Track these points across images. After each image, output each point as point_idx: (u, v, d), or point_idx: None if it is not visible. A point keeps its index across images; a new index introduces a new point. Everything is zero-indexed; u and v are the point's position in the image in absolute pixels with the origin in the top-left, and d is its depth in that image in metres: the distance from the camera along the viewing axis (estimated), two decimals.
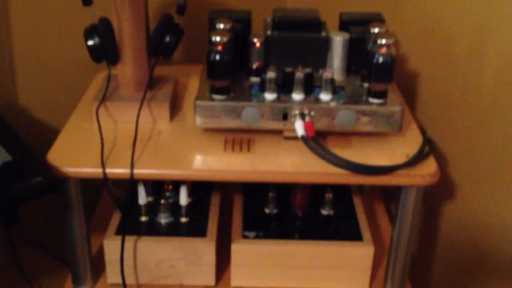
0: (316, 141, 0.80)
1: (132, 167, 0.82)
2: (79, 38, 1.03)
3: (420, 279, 1.15)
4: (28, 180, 0.75)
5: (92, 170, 0.82)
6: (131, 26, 0.88)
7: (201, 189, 1.02)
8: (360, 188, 1.08)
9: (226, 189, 1.05)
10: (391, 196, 1.18)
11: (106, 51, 0.89)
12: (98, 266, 0.96)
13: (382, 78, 0.82)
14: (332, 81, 0.86)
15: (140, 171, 0.82)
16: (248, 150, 0.86)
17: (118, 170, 0.82)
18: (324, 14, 0.95)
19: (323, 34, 0.90)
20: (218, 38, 0.82)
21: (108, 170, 0.81)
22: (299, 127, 0.82)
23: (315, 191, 0.99)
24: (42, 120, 1.10)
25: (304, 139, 0.81)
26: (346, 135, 0.89)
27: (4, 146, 0.80)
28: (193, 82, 1.06)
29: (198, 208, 0.98)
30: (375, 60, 0.82)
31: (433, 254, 1.12)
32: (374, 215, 1.11)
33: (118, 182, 1.06)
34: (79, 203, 0.86)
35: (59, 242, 1.21)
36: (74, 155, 0.84)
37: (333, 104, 0.84)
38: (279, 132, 0.88)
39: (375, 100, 0.84)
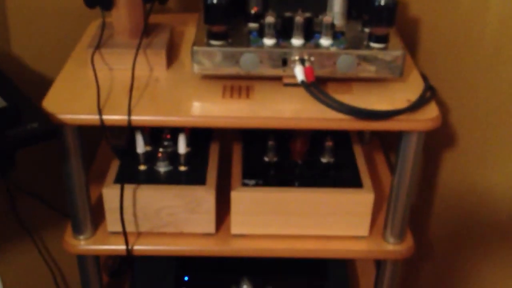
0: (316, 86, 0.79)
1: (129, 113, 0.80)
2: None
3: (420, 228, 1.16)
4: (24, 126, 0.74)
5: (88, 116, 0.80)
6: None
7: (200, 138, 1.01)
8: (360, 139, 1.08)
9: (225, 138, 1.04)
10: (391, 146, 1.17)
11: None
12: (98, 215, 0.96)
13: (384, 21, 0.80)
14: (332, 26, 0.84)
15: (138, 118, 0.81)
16: (247, 96, 0.85)
17: (115, 117, 0.81)
18: None
19: None
20: None
21: (105, 117, 0.80)
22: (299, 73, 0.81)
23: (315, 140, 0.98)
24: (36, 70, 1.08)
25: (304, 84, 0.79)
26: (346, 81, 0.87)
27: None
28: (190, 31, 1.03)
29: (197, 157, 0.98)
30: (377, 3, 0.79)
31: (432, 204, 1.13)
32: (374, 165, 1.11)
33: (116, 133, 1.05)
34: (76, 151, 0.85)
35: (58, 194, 1.22)
36: (70, 102, 0.83)
37: (333, 49, 0.82)
38: (278, 79, 0.87)
39: (376, 45, 0.83)
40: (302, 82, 0.79)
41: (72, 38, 1.02)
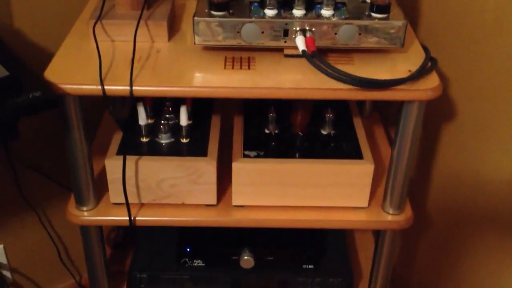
0: (318, 55, 0.79)
1: (131, 83, 0.81)
2: None
3: (419, 202, 1.17)
4: (27, 94, 0.74)
5: (90, 87, 0.81)
6: None
7: (201, 111, 1.02)
8: (361, 113, 1.08)
9: (226, 110, 1.05)
10: (391, 121, 1.18)
11: None
12: (101, 186, 0.97)
13: None
14: None
15: (140, 88, 0.81)
16: (249, 67, 0.85)
17: (117, 87, 0.81)
18: None
19: None
20: None
21: (106, 87, 0.81)
22: (300, 43, 0.81)
23: (316, 112, 0.99)
24: (38, 43, 1.08)
25: (305, 54, 0.80)
26: (347, 52, 0.88)
27: (0, 62, 0.79)
28: (191, 3, 1.03)
29: (199, 129, 0.98)
30: None
31: (431, 178, 1.13)
32: (374, 138, 1.12)
33: (119, 105, 1.06)
34: (78, 122, 0.86)
35: (61, 168, 1.22)
36: (72, 73, 0.83)
37: (334, 19, 0.82)
38: (279, 50, 0.87)
39: (377, 15, 0.83)
40: (303, 52, 0.80)
41: (74, 11, 1.02)
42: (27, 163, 1.17)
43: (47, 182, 1.22)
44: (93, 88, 0.81)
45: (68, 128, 0.86)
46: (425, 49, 0.88)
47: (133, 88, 0.81)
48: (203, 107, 1.03)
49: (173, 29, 0.94)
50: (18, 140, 0.79)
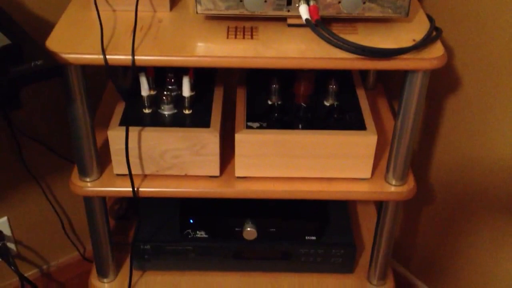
0: (321, 24, 0.78)
1: (133, 53, 0.80)
2: None
3: (421, 174, 1.17)
4: (28, 63, 0.74)
5: (92, 56, 0.80)
6: None
7: (204, 82, 1.01)
8: (364, 84, 1.07)
9: (229, 81, 1.04)
10: (395, 93, 1.17)
11: None
12: (104, 158, 0.97)
13: None
14: None
15: (141, 58, 0.81)
16: (252, 37, 0.84)
17: (118, 57, 0.81)
18: None
19: None
20: None
21: (108, 57, 0.80)
22: (304, 11, 0.80)
23: (319, 83, 0.98)
24: (38, 12, 1.07)
25: (308, 22, 0.79)
26: (351, 21, 0.87)
27: (2, 31, 0.78)
28: None
29: (202, 100, 0.98)
30: None
31: (434, 150, 1.13)
32: (377, 110, 1.11)
33: (121, 75, 1.05)
34: (81, 92, 0.85)
35: (64, 140, 1.23)
36: (74, 42, 0.83)
37: None
38: (282, 19, 0.86)
39: None
40: (307, 20, 0.79)
41: None
42: (30, 135, 1.17)
43: (51, 154, 1.22)
44: (95, 57, 0.80)
45: (71, 99, 0.86)
46: (430, 18, 0.87)
47: (135, 57, 0.80)
48: (205, 78, 1.02)
49: None
50: (21, 109, 0.79)
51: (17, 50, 0.75)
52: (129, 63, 0.80)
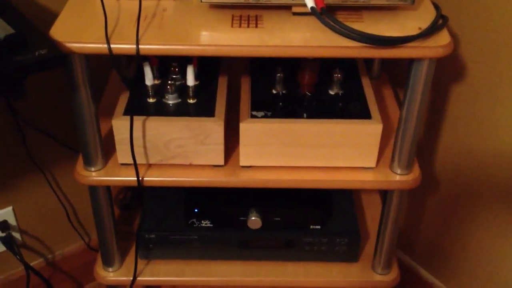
0: (327, 12, 0.78)
1: (137, 42, 0.80)
2: None
3: (426, 163, 1.17)
4: (32, 52, 0.74)
5: (96, 45, 0.80)
6: None
7: (208, 71, 1.01)
8: (369, 73, 1.07)
9: (233, 71, 1.04)
10: (399, 82, 1.17)
11: None
12: (108, 147, 0.97)
13: None
14: None
15: (146, 47, 0.80)
16: (256, 26, 0.84)
17: (123, 46, 0.80)
18: None
19: None
20: None
21: (113, 46, 0.80)
22: (309, 0, 0.79)
23: (323, 72, 0.98)
24: (42, 3, 1.07)
25: (313, 10, 0.78)
26: (356, 9, 0.86)
27: (6, 20, 0.78)
28: None
29: (206, 90, 0.98)
30: None
31: (439, 139, 1.13)
32: (382, 99, 1.11)
33: (125, 64, 1.05)
34: (85, 81, 0.85)
35: (68, 130, 1.23)
36: (78, 31, 0.82)
37: None
38: (287, 8, 0.86)
39: None
40: (312, 8, 0.78)
41: None
42: (34, 125, 1.17)
43: (55, 143, 1.22)
44: (99, 46, 0.80)
45: (75, 88, 0.86)
46: (436, 6, 0.86)
47: (140, 46, 0.80)
48: (209, 68, 1.02)
49: None
50: (25, 99, 0.79)
51: (21, 39, 0.75)
52: (134, 52, 0.80)
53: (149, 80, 0.94)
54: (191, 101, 0.96)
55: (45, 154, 1.24)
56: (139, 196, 1.23)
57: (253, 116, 0.92)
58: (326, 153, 0.93)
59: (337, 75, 0.95)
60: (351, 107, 0.94)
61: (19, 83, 0.78)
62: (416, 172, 0.94)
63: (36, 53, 0.74)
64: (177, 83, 0.97)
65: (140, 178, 0.95)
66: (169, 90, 0.95)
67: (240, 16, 0.86)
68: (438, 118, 1.11)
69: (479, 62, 0.99)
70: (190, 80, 0.93)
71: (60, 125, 1.22)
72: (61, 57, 0.76)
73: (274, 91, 0.97)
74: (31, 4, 1.05)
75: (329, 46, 0.79)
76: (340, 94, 0.96)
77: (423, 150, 1.16)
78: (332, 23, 0.77)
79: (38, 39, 0.77)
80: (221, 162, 0.96)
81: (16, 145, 1.18)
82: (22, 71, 0.73)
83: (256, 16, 0.86)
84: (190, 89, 0.95)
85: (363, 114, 0.92)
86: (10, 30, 0.75)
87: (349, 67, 1.02)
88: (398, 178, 0.94)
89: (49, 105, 1.18)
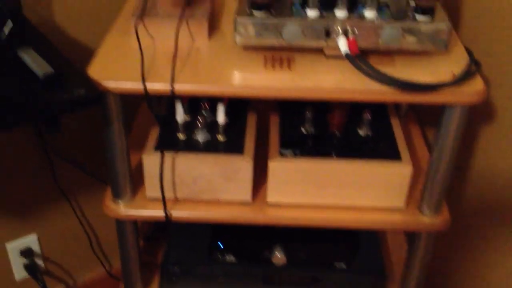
0: (361, 58, 0.79)
1: (172, 82, 0.81)
2: None
3: (454, 202, 1.16)
4: (71, 91, 0.75)
5: (133, 84, 0.82)
6: None
7: (237, 108, 1.02)
8: (397, 111, 1.07)
9: (262, 108, 1.05)
10: (427, 119, 1.17)
11: None
12: (136, 180, 0.98)
13: None
14: None
15: (181, 87, 0.82)
16: (289, 67, 0.85)
17: (158, 85, 0.82)
18: None
19: None
20: None
21: (148, 85, 0.81)
22: (343, 45, 0.80)
23: (353, 111, 0.98)
24: (77, 38, 1.09)
25: (348, 56, 0.79)
26: (388, 53, 0.87)
27: (45, 59, 0.80)
28: (229, 0, 1.03)
29: (235, 126, 0.99)
30: None
31: (467, 178, 1.12)
32: (410, 138, 1.11)
33: (156, 100, 1.06)
34: (118, 117, 0.87)
35: (94, 159, 1.24)
36: (114, 70, 0.84)
37: (378, 21, 0.82)
38: (320, 50, 0.87)
39: (421, 17, 0.82)
40: (347, 55, 0.79)
41: (113, 6, 1.03)
42: (63, 154, 1.19)
43: (81, 172, 1.23)
44: (135, 86, 0.81)
45: (108, 124, 0.87)
46: (469, 51, 0.87)
47: (175, 86, 0.81)
48: (239, 104, 1.03)
49: (213, 27, 0.95)
50: (61, 133, 0.80)
51: (60, 78, 0.77)
52: (168, 92, 0.81)
53: (180, 116, 0.95)
54: (220, 137, 0.96)
55: (71, 182, 1.25)
56: (164, 228, 1.23)
57: (282, 154, 0.93)
58: (354, 193, 0.93)
59: (367, 115, 0.96)
60: (381, 148, 0.94)
61: (54, 119, 0.79)
62: (445, 215, 0.94)
63: (75, 93, 0.75)
64: (207, 119, 0.98)
65: (168, 213, 0.95)
66: (199, 126, 0.96)
67: (273, 57, 0.87)
68: (466, 157, 1.10)
69: (509, 104, 0.99)
70: (221, 118, 0.95)
71: (87, 154, 1.23)
72: (98, 97, 0.77)
73: (303, 129, 0.98)
74: (67, 39, 1.08)
75: (362, 91, 0.80)
76: (370, 134, 0.97)
77: (451, 191, 1.15)
78: (366, 68, 0.78)
79: (76, 78, 0.79)
80: (249, 198, 0.96)
81: (44, 174, 1.20)
82: (60, 110, 0.75)
83: (289, 58, 0.87)
84: (220, 126, 0.96)
85: (393, 155, 0.93)
86: (50, 69, 0.77)
87: (378, 106, 1.03)
88: (427, 220, 0.94)
89: (77, 136, 1.20)
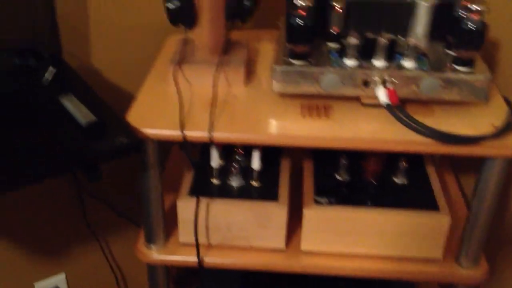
0: (402, 109, 0.78)
1: (211, 130, 0.82)
2: (152, 1, 1.03)
3: (493, 253, 1.13)
4: (112, 139, 0.76)
5: (171, 132, 0.82)
6: None
7: (271, 153, 1.02)
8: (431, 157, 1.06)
9: (295, 153, 1.04)
10: (462, 166, 1.15)
11: (184, 14, 0.88)
12: (169, 225, 0.98)
13: (472, 45, 0.79)
14: (415, 47, 0.83)
15: (219, 135, 0.82)
16: (327, 116, 0.85)
17: (197, 133, 0.82)
18: None
19: None
20: (301, 2, 0.80)
21: (187, 133, 0.82)
22: (382, 95, 0.80)
23: (388, 159, 0.98)
24: (114, 82, 1.11)
25: (389, 107, 0.79)
26: (427, 103, 0.87)
27: (86, 105, 0.81)
28: (264, 47, 1.04)
29: (268, 172, 0.98)
30: (465, 26, 0.78)
31: (507, 228, 1.10)
32: (445, 185, 1.09)
33: (189, 145, 1.07)
34: (155, 164, 0.87)
35: (126, 201, 1.25)
36: (153, 117, 0.85)
37: (417, 71, 0.82)
38: (356, 98, 0.87)
39: (461, 68, 0.81)
40: (388, 105, 0.79)
41: (148, 52, 1.04)
42: (93, 193, 1.19)
43: (111, 212, 1.24)
44: (173, 133, 0.82)
45: (145, 170, 0.87)
46: (508, 102, 0.86)
47: (213, 134, 0.82)
48: (272, 150, 1.03)
49: (249, 74, 0.95)
50: (101, 180, 0.81)
51: (102, 127, 0.78)
52: (207, 140, 0.82)
53: (215, 162, 0.95)
54: (254, 183, 0.96)
55: (101, 222, 1.25)
56: (195, 272, 1.22)
57: (317, 202, 0.92)
58: (390, 242, 0.92)
59: (403, 164, 0.95)
60: (417, 197, 0.93)
61: (96, 167, 0.80)
62: (484, 267, 0.92)
63: (116, 141, 0.76)
64: (241, 164, 0.98)
65: (200, 259, 0.94)
66: (234, 172, 0.96)
67: (309, 105, 0.87)
68: (504, 210, 1.08)
69: None
70: (256, 164, 0.94)
71: (117, 194, 1.24)
72: (138, 145, 0.78)
73: (337, 177, 0.97)
74: (106, 84, 1.09)
75: (402, 142, 0.79)
76: (406, 182, 0.96)
77: (489, 242, 1.13)
78: (405, 119, 0.78)
79: (117, 125, 0.80)
80: (282, 246, 0.95)
81: (74, 212, 1.20)
82: (103, 158, 0.75)
83: (325, 106, 0.87)
84: (255, 172, 0.96)
85: (430, 204, 0.91)
86: (92, 118, 0.78)
87: (413, 154, 1.02)
88: (465, 272, 0.91)
89: (109, 176, 1.21)
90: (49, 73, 0.85)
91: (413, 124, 0.77)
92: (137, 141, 0.78)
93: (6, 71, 0.89)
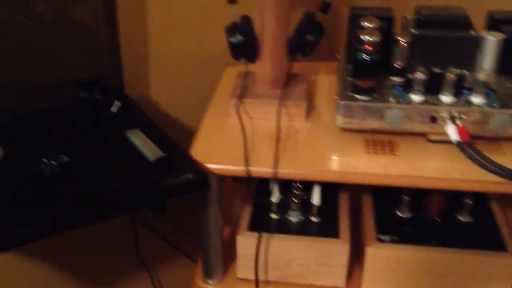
0: (473, 147, 0.76)
1: (275, 166, 0.81)
2: (210, 34, 1.04)
3: None
4: (179, 176, 0.76)
5: (236, 167, 0.82)
6: (274, 24, 0.87)
7: (328, 187, 1.01)
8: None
9: (354, 188, 1.03)
10: None
11: (247, 49, 0.89)
12: (226, 260, 0.97)
13: None
14: (484, 83, 0.81)
15: (283, 171, 0.81)
16: (392, 152, 0.84)
17: (261, 170, 0.82)
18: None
19: (473, 33, 0.86)
20: (369, 38, 0.80)
21: (251, 170, 0.81)
22: (453, 132, 0.78)
23: (451, 195, 0.95)
24: (172, 114, 1.12)
25: (460, 145, 0.77)
26: (495, 140, 0.84)
27: (155, 143, 0.81)
28: (323, 80, 1.04)
29: (328, 207, 0.97)
30: None
31: None
32: (509, 222, 1.06)
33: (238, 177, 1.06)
34: (218, 199, 0.87)
35: (179, 234, 1.24)
36: (216, 152, 0.85)
37: (487, 108, 0.80)
38: (422, 134, 0.85)
39: None
40: (458, 143, 0.77)
41: (206, 85, 1.05)
42: (148, 225, 1.20)
43: (161, 244, 1.24)
44: (238, 169, 0.82)
45: (207, 205, 0.87)
46: None
47: (277, 171, 0.81)
48: (330, 184, 1.01)
49: (309, 108, 0.95)
50: (165, 215, 0.81)
51: (170, 162, 0.78)
52: (271, 175, 0.81)
53: (275, 197, 0.94)
54: (314, 219, 0.95)
55: (152, 252, 1.25)
56: None
57: (380, 240, 0.90)
58: (456, 283, 0.89)
59: (468, 201, 0.92)
60: (483, 236, 0.90)
61: (161, 202, 0.80)
62: None
63: (183, 177, 0.76)
64: (301, 198, 0.97)
65: None
66: (293, 207, 0.95)
67: (374, 141, 0.86)
68: None
69: None
70: (316, 200, 0.93)
71: (170, 226, 1.24)
72: (205, 181, 0.78)
73: (399, 213, 0.95)
74: (167, 117, 1.11)
75: (473, 181, 0.77)
76: (471, 221, 0.93)
77: None
78: (478, 157, 0.76)
79: (183, 161, 0.80)
80: (343, 284, 0.93)
81: (126, 243, 1.21)
82: (169, 195, 0.75)
83: (390, 142, 0.86)
84: (314, 207, 0.94)
85: (497, 244, 0.88)
86: (160, 153, 0.78)
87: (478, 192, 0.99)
88: None
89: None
90: (115, 107, 0.86)
91: (487, 164, 0.75)
92: (203, 177, 0.78)
93: (72, 104, 0.90)
